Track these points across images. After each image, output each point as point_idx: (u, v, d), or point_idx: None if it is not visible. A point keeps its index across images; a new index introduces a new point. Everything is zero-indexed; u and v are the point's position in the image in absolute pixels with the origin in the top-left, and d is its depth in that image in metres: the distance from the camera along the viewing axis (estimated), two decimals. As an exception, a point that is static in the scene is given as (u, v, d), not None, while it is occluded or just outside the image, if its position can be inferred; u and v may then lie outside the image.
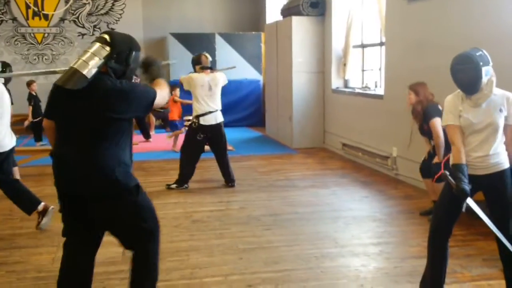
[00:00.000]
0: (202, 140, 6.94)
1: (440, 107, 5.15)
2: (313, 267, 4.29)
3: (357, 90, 8.98)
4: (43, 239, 5.02)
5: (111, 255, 4.54)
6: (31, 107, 10.83)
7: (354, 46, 9.24)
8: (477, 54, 3.44)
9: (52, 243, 4.87)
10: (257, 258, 4.47)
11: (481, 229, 5.16)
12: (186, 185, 7.00)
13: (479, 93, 3.41)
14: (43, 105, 10.83)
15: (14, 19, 13.55)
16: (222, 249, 4.70)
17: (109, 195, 3.02)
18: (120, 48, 3.01)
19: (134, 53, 3.06)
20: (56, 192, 3.15)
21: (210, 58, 7.21)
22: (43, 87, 13.04)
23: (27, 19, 13.64)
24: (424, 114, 5.39)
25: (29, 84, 11.03)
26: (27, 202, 5.31)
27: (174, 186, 6.95)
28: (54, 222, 5.51)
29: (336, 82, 9.73)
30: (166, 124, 11.62)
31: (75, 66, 2.91)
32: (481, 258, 4.42)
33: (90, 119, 2.95)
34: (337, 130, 9.57)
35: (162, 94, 3.19)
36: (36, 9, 13.37)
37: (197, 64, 7.07)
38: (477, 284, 3.93)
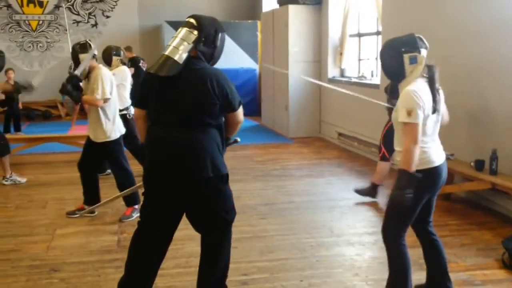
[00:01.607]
0: None
1: None
2: (308, 256, 4.29)
3: (353, 80, 8.97)
4: (38, 228, 5.00)
5: (106, 244, 4.55)
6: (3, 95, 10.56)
7: (351, 35, 9.21)
8: (402, 39, 3.22)
9: (47, 232, 4.86)
10: (253, 247, 4.47)
11: (476, 219, 5.20)
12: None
13: (404, 81, 3.20)
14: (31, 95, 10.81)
15: (9, 6, 13.44)
16: (217, 238, 4.69)
17: (203, 179, 3.02)
18: (207, 30, 3.04)
19: (220, 34, 3.11)
20: (145, 174, 3.15)
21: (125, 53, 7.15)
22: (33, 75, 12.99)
23: (21, 6, 13.53)
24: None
25: (6, 71, 10.81)
26: None
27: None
28: (50, 212, 5.51)
29: (332, 71, 9.71)
30: None
31: (166, 53, 2.95)
32: (476, 247, 4.44)
33: (189, 103, 2.96)
34: (333, 120, 9.56)
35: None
36: (30, -4, 13.26)
37: (117, 56, 6.83)
38: (472, 273, 3.94)
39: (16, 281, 3.83)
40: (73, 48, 5.26)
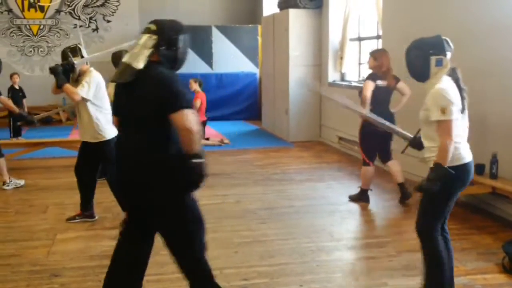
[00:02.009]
0: None
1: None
2: (308, 260, 4.28)
3: (353, 84, 8.97)
4: (38, 233, 5.00)
5: (106, 249, 4.53)
6: (9, 99, 10.57)
7: (351, 39, 9.22)
8: (431, 41, 3.32)
9: (47, 237, 4.86)
10: (253, 252, 4.46)
11: (476, 223, 5.19)
12: None
13: (427, 82, 3.31)
14: (30, 99, 10.83)
15: (10, 10, 13.47)
16: (217, 243, 4.68)
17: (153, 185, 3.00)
18: (167, 34, 3.03)
19: (181, 36, 3.06)
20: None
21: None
22: (40, 79, 13.04)
23: (22, 10, 13.56)
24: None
25: (10, 76, 10.86)
26: None
27: None
28: (50, 217, 5.51)
29: (332, 75, 9.71)
30: None
31: (125, 60, 2.99)
32: (476, 252, 4.43)
33: (140, 108, 2.95)
34: (333, 124, 9.56)
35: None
36: (31, 0, 13.29)
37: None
38: (472, 278, 3.93)
39: (17, 286, 3.83)
40: (63, 51, 5.29)
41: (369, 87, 5.70)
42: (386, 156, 6.01)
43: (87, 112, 5.12)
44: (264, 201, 6.04)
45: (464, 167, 3.28)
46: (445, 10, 6.21)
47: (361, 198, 5.91)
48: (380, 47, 8.00)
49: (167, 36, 3.02)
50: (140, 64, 2.94)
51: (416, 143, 3.65)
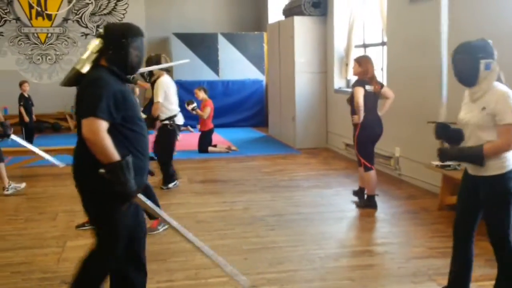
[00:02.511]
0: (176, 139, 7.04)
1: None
2: (317, 267, 4.30)
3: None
4: (48, 240, 5.04)
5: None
6: (22, 107, 10.71)
7: (356, 46, 9.25)
8: (479, 45, 3.25)
9: (58, 244, 4.90)
10: (262, 259, 4.48)
11: (484, 229, 5.17)
12: (178, 182, 7.02)
13: (476, 87, 3.22)
14: (38, 107, 10.90)
15: (18, 19, 13.59)
16: (226, 249, 4.71)
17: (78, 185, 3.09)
18: (113, 37, 2.99)
19: (131, 39, 2.99)
20: None
21: (168, 60, 7.17)
22: (48, 87, 13.14)
23: (30, 19, 13.68)
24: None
25: (20, 84, 10.96)
26: None
27: (171, 185, 6.95)
28: (60, 224, 5.55)
29: (338, 82, 9.75)
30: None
31: (74, 66, 3.01)
32: (484, 258, 4.42)
33: (77, 111, 2.98)
34: (340, 130, 9.58)
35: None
36: (39, 9, 13.41)
37: (157, 64, 6.82)
38: (480, 284, 3.94)
39: (28, 294, 3.87)
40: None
41: (360, 94, 5.77)
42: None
43: None
44: (272, 208, 6.06)
45: None
46: (449, 18, 6.22)
47: (369, 204, 5.93)
48: (385, 53, 8.04)
49: (114, 40, 2.98)
50: (84, 69, 2.95)
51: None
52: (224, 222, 5.55)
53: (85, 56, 2.99)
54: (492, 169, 3.19)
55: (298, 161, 8.98)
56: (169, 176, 6.97)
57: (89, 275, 3.13)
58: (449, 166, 5.76)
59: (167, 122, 6.78)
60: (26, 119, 10.69)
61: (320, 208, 6.06)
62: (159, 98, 6.61)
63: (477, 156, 3.16)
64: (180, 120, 6.94)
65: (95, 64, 2.97)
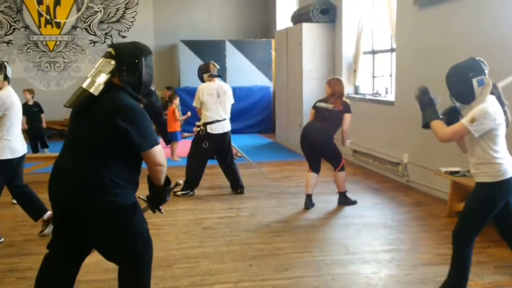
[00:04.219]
0: (208, 148, 6.93)
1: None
2: (323, 274, 4.26)
3: (367, 97, 8.96)
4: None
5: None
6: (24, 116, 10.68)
7: (365, 53, 9.22)
8: (467, 65, 3.48)
9: (63, 250, 4.88)
10: (267, 265, 4.45)
11: (493, 236, 5.11)
12: (191, 192, 6.96)
13: (474, 102, 3.46)
14: (46, 114, 10.91)
15: (27, 27, 13.69)
16: (232, 255, 4.69)
17: (99, 210, 2.96)
18: (126, 59, 2.99)
19: (143, 59, 3.02)
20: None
21: (217, 67, 7.22)
22: (56, 94, 13.19)
23: (39, 27, 13.78)
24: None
25: (23, 91, 10.97)
26: (35, 209, 5.39)
27: (179, 193, 6.91)
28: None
29: (346, 89, 9.65)
30: (162, 134, 11.49)
31: (83, 86, 2.95)
32: (493, 265, 4.38)
33: (92, 132, 2.93)
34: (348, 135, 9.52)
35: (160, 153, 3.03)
36: (48, 17, 13.51)
37: (206, 72, 7.07)
38: (490, 291, 3.89)
39: (33, 299, 3.85)
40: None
41: (350, 121, 6.34)
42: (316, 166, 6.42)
43: None
44: (279, 214, 6.03)
45: (508, 181, 3.42)
46: (457, 24, 6.20)
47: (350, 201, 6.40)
48: (394, 60, 8.01)
49: (128, 61, 2.98)
50: (99, 90, 2.91)
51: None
52: (230, 228, 5.53)
53: (93, 75, 2.95)
54: (481, 177, 3.48)
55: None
56: (187, 182, 6.97)
57: None
58: (458, 172, 5.72)
59: (199, 128, 6.95)
60: (24, 126, 10.65)
61: (326, 215, 6.02)
62: (194, 102, 7.06)
63: (425, 118, 3.65)
64: (216, 128, 6.92)
65: (109, 83, 2.95)
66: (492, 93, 3.44)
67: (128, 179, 3.00)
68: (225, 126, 7.00)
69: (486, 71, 3.43)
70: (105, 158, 2.93)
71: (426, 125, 3.65)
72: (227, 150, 7.09)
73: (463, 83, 3.41)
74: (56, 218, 3.13)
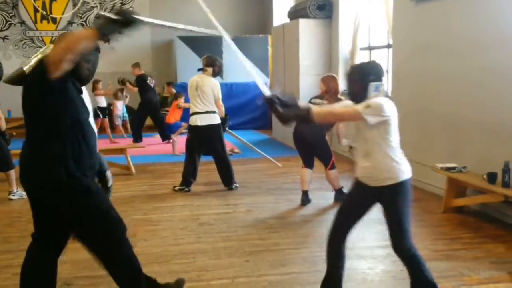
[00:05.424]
0: (193, 141, 6.94)
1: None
2: (320, 269, 4.24)
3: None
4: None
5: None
6: None
7: (361, 49, 9.23)
8: (370, 68, 3.46)
9: (59, 246, 4.88)
10: (264, 261, 4.46)
11: (489, 232, 5.16)
12: (186, 189, 6.95)
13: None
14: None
15: (23, 22, 13.64)
16: (229, 251, 4.70)
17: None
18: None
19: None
20: None
21: (202, 60, 7.23)
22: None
23: (35, 22, 13.73)
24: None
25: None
26: None
27: (177, 188, 6.94)
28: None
29: (343, 85, 9.69)
30: (159, 130, 11.50)
31: (22, 66, 3.19)
32: (489, 261, 4.39)
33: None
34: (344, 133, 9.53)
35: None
36: (44, 12, 13.47)
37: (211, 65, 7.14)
38: (485, 287, 3.90)
39: (29, 295, 3.84)
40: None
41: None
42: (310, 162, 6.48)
43: None
44: (275, 210, 6.04)
45: (410, 181, 3.45)
46: (454, 20, 6.21)
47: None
48: (390, 56, 8.01)
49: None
50: (27, 69, 3.13)
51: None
52: (226, 224, 5.53)
53: (33, 61, 3.15)
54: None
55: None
56: (183, 177, 7.02)
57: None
58: (454, 168, 5.73)
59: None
60: None
61: (323, 211, 6.04)
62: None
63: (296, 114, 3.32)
64: (194, 120, 6.93)
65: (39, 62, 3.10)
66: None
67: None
68: (205, 119, 6.87)
69: (383, 78, 3.47)
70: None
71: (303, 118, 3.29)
72: (214, 144, 6.99)
73: (360, 84, 3.40)
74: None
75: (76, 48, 2.70)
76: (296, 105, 3.21)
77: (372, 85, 3.38)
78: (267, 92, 3.23)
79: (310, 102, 6.36)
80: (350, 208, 3.62)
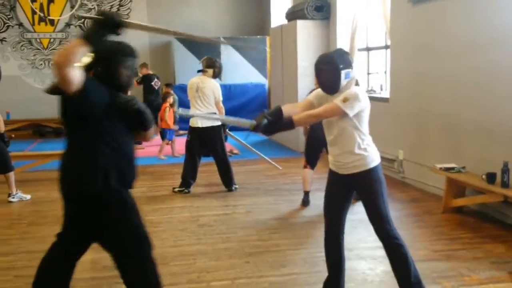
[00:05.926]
0: (193, 141, 6.95)
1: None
2: (320, 270, 4.26)
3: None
4: (51, 244, 5.01)
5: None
6: None
7: (359, 49, 9.24)
8: (339, 56, 3.49)
9: (60, 248, 4.88)
10: (264, 262, 4.47)
11: (489, 232, 5.17)
12: (186, 190, 6.95)
13: (338, 93, 3.46)
14: (40, 111, 10.87)
15: (20, 24, 13.63)
16: (229, 253, 4.71)
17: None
18: (103, 55, 3.03)
19: (120, 59, 3.05)
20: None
21: (201, 62, 7.23)
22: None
23: (33, 24, 13.71)
24: None
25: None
26: None
27: (176, 189, 6.95)
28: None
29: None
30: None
31: None
32: (489, 261, 4.41)
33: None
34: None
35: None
36: (42, 14, 13.45)
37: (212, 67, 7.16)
38: (485, 287, 3.91)
39: (30, 298, 3.85)
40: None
41: None
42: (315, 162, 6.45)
43: None
44: (275, 211, 6.05)
45: (379, 167, 3.61)
46: (451, 21, 6.23)
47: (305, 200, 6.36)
48: (388, 57, 8.03)
49: (102, 57, 3.02)
50: None
51: (260, 128, 3.62)
52: (226, 225, 5.54)
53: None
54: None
55: (300, 165, 8.88)
56: (182, 178, 7.02)
57: None
58: (453, 169, 5.74)
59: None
60: None
61: (322, 211, 6.01)
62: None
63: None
64: (194, 122, 6.94)
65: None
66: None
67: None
68: (205, 121, 6.87)
69: (353, 65, 3.50)
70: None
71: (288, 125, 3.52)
72: (215, 146, 7.00)
73: (332, 73, 3.42)
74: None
75: (68, 61, 2.68)
76: (280, 117, 3.49)
77: (343, 73, 3.41)
78: (247, 123, 3.59)
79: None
80: (331, 199, 3.71)
